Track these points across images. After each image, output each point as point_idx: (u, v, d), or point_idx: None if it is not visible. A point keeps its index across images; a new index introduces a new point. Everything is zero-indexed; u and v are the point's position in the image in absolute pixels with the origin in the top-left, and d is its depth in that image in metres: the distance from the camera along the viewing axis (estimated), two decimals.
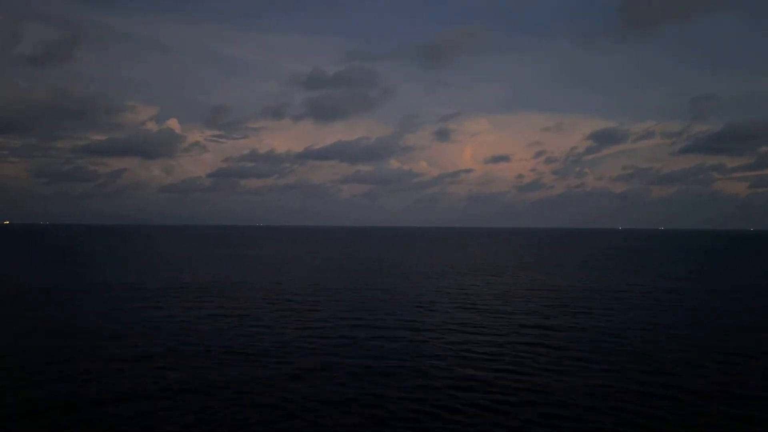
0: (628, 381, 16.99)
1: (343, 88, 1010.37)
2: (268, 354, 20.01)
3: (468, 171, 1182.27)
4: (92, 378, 16.74)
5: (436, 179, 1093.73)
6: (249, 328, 24.55)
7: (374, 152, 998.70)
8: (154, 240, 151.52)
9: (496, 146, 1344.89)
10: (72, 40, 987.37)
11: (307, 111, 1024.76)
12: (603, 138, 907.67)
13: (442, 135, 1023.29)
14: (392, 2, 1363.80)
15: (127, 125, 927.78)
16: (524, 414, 14.07)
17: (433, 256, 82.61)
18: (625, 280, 47.18)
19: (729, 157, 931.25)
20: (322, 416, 13.85)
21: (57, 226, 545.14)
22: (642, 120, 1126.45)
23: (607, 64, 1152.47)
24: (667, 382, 16.93)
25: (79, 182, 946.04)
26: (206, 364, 18.38)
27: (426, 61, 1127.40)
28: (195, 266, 58.92)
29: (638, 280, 46.58)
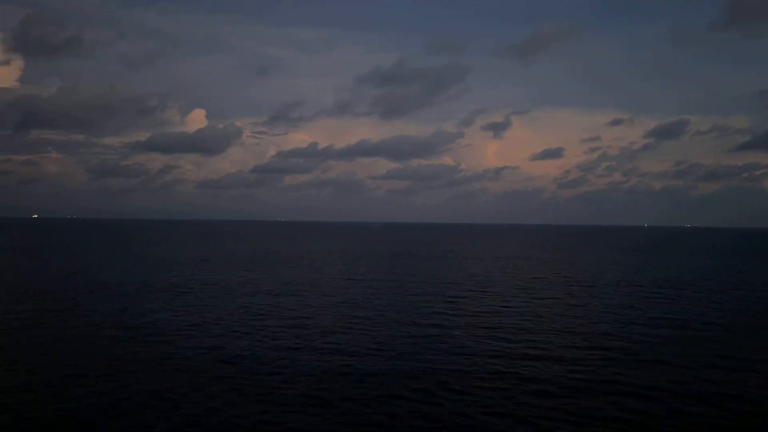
0: None
1: (409, 84, 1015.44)
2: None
3: (514, 168, 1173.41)
4: None
5: (478, 175, 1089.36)
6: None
7: (422, 148, 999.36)
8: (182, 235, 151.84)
9: (552, 141, 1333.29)
10: (117, 37, 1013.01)
11: (371, 107, 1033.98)
12: (662, 134, 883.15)
13: (499, 130, 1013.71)
14: None
15: (175, 122, 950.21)
16: None
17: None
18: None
19: None
20: None
21: (103, 220, 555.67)
22: (709, 115, 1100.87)
23: (691, 60, 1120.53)
24: None
25: (124, 178, 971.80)
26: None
27: (503, 56, 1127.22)
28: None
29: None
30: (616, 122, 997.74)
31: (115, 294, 32.93)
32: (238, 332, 22.66)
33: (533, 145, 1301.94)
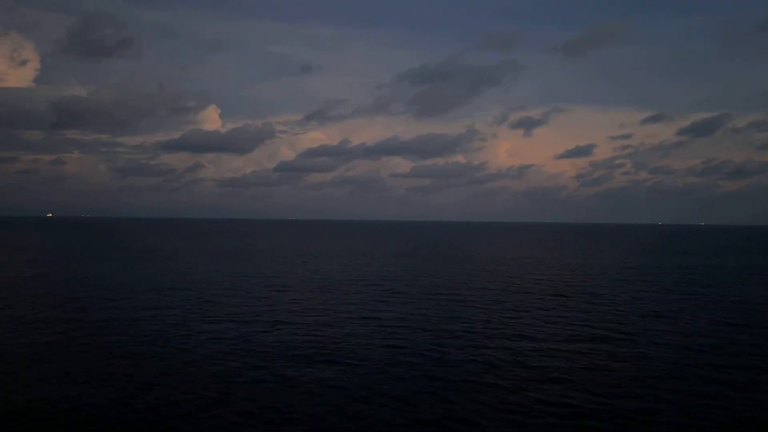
0: None
1: (446, 83, 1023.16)
2: None
3: (540, 165, 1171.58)
4: None
5: (502, 173, 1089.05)
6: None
7: (448, 146, 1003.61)
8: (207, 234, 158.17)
9: (583, 139, 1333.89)
10: (142, 37, 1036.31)
11: (407, 106, 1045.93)
12: (696, 131, 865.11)
13: (531, 127, 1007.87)
14: None
15: (208, 121, 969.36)
16: None
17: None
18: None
19: None
20: None
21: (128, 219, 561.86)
22: (747, 113, 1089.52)
23: (735, 59, 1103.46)
24: None
25: (150, 177, 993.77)
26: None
27: (547, 54, 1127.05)
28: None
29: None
30: (650, 120, 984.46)
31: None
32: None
33: (563, 143, 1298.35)
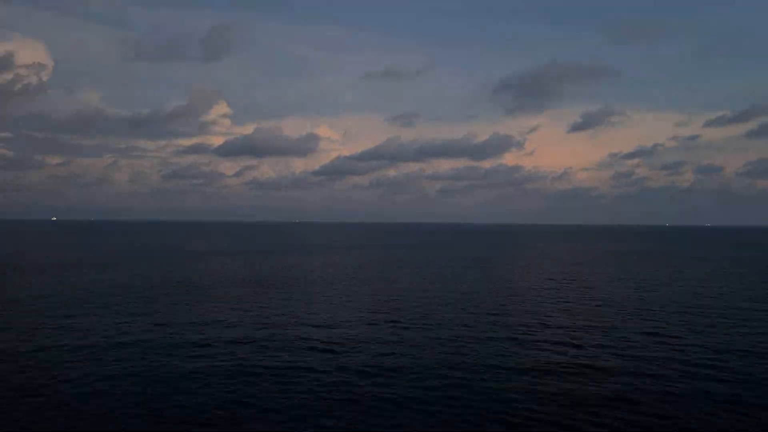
0: None
1: (528, 87, 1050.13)
2: None
3: (595, 167, 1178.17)
4: None
5: (537, 174, 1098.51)
6: None
7: (495, 148, 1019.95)
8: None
9: (645, 140, 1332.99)
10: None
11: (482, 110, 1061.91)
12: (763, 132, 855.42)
13: (592, 128, 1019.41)
14: None
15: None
16: None
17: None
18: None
19: None
20: None
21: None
22: None
23: None
24: None
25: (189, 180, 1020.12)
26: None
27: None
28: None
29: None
30: (719, 121, 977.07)
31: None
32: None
33: (622, 145, 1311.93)
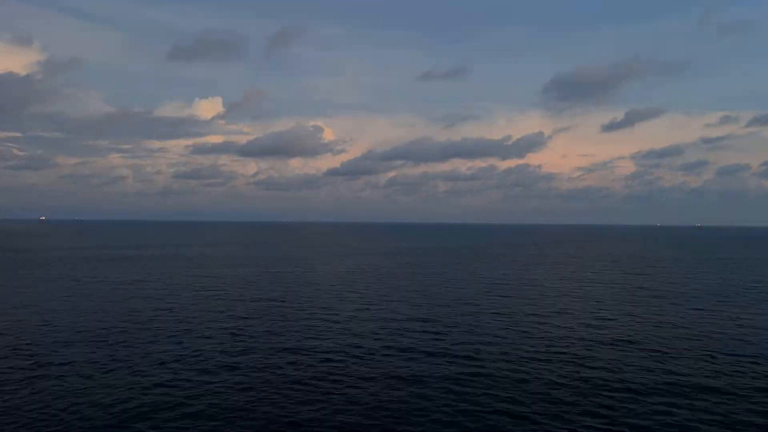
0: None
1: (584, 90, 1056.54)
2: None
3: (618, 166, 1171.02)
4: None
5: (555, 176, 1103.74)
6: None
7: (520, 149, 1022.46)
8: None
9: (668, 142, 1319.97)
10: None
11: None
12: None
13: (618, 129, 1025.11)
14: None
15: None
16: None
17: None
18: None
19: None
20: None
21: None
22: None
23: None
24: None
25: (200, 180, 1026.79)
26: None
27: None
28: None
29: None
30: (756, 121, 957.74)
31: None
32: None
33: (643, 145, 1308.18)
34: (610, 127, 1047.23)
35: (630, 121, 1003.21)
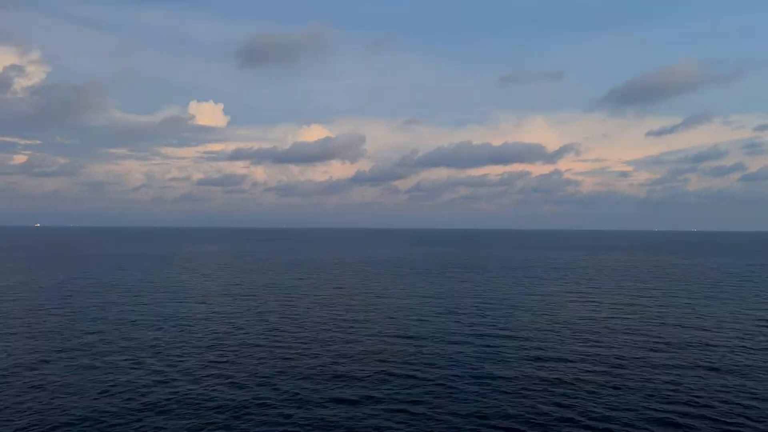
0: None
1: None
2: None
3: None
4: None
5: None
6: None
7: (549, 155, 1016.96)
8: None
9: (707, 143, 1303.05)
10: None
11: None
12: None
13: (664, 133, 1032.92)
14: None
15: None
16: None
17: None
18: None
19: None
20: None
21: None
22: None
23: None
24: None
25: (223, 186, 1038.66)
26: None
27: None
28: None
29: None
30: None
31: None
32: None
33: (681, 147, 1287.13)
34: (659, 133, 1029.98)
35: (686, 125, 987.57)
